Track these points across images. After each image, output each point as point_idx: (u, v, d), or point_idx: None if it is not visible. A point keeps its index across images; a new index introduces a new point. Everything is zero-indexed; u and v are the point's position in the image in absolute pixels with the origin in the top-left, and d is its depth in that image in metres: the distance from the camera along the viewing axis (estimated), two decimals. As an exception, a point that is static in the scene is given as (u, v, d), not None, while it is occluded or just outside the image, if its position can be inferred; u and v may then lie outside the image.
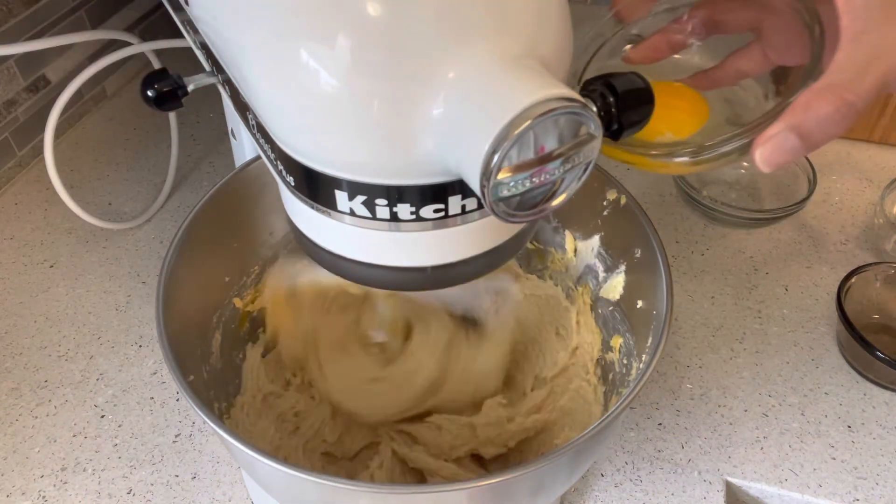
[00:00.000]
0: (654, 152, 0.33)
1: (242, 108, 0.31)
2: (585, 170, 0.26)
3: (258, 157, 0.46)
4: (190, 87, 0.34)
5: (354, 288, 0.52)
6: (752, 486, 0.52)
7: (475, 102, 0.23)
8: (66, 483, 0.52)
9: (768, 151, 0.29)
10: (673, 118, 0.32)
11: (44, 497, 0.51)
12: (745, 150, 0.31)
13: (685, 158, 0.32)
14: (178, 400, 0.57)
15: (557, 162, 0.24)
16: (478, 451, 0.51)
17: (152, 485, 0.52)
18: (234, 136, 0.56)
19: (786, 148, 0.29)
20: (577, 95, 0.24)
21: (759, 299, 0.65)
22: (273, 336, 0.53)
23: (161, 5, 0.89)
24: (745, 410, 0.56)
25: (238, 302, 0.50)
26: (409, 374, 0.52)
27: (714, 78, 0.37)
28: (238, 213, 0.47)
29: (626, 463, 0.53)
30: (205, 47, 0.34)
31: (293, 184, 0.29)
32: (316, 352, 0.53)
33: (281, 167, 0.29)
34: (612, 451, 0.53)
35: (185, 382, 0.36)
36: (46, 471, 0.53)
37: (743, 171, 0.76)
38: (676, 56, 0.38)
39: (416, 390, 0.51)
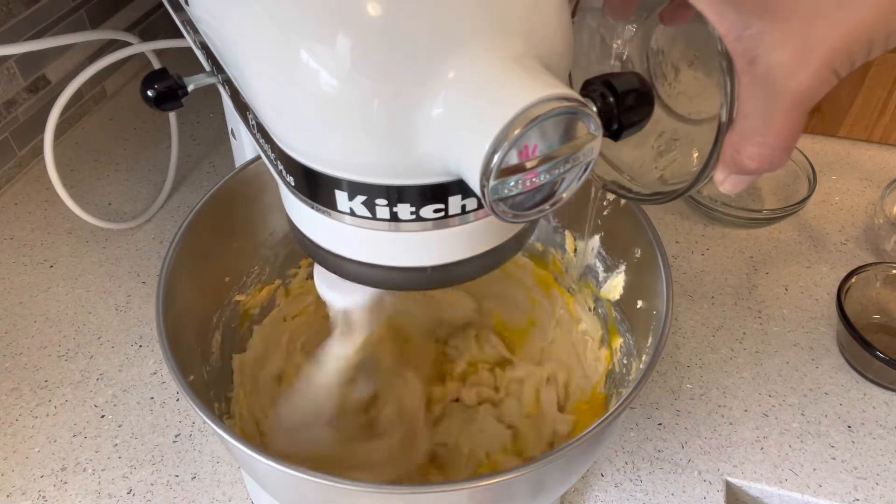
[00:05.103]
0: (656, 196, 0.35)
1: (242, 108, 0.31)
2: (585, 169, 0.26)
3: (258, 157, 0.46)
4: (190, 87, 0.34)
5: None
6: (752, 486, 0.52)
7: (475, 102, 0.23)
8: (66, 483, 0.52)
9: (728, 187, 0.30)
10: None
11: (44, 497, 0.51)
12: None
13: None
14: (178, 400, 0.57)
15: (557, 161, 0.24)
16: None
17: (152, 485, 0.52)
18: (234, 136, 0.56)
19: (741, 182, 0.29)
20: (576, 95, 0.24)
21: (759, 299, 0.65)
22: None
23: (161, 5, 0.89)
24: (745, 410, 0.56)
25: (241, 298, 0.50)
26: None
27: (679, 13, 0.33)
28: (238, 213, 0.47)
29: (626, 463, 0.53)
30: (205, 47, 0.34)
31: (293, 184, 0.29)
32: None
33: (281, 167, 0.29)
34: (612, 451, 0.53)
35: (185, 382, 0.36)
36: (46, 471, 0.53)
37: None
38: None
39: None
